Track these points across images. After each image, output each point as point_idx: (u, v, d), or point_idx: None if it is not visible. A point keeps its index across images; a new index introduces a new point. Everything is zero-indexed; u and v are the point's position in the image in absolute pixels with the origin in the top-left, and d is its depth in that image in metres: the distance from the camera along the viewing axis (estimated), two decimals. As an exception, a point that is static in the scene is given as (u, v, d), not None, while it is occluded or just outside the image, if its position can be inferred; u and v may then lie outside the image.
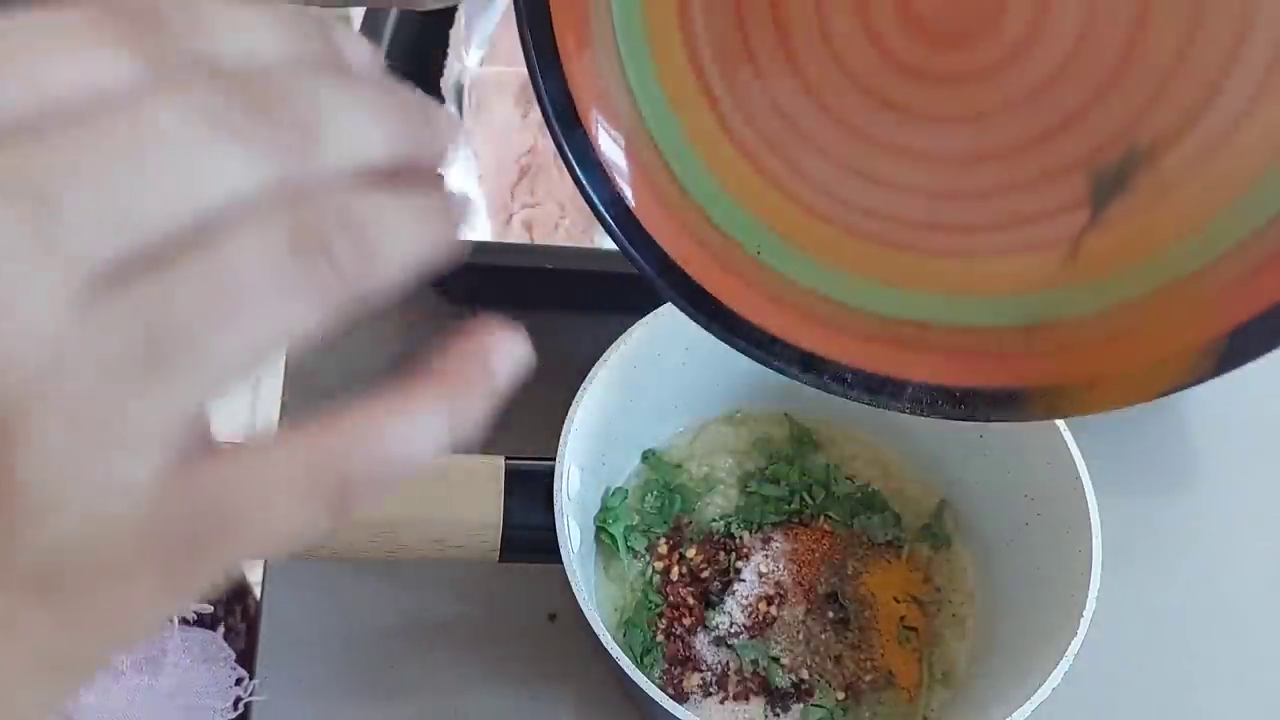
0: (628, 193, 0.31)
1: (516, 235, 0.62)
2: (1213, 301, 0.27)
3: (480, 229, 0.60)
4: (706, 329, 0.32)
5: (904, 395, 0.32)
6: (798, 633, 0.45)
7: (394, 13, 0.58)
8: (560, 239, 0.57)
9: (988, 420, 0.31)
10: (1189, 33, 0.23)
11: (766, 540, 0.47)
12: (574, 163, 0.30)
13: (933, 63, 0.27)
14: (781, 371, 0.33)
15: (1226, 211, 0.26)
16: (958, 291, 0.30)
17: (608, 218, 0.31)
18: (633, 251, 0.31)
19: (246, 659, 0.46)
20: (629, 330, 0.43)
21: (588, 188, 0.30)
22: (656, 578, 0.46)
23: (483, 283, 0.55)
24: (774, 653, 0.44)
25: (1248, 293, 0.26)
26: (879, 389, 0.32)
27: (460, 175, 0.59)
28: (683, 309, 0.32)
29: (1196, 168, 0.25)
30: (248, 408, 1.38)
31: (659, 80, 0.29)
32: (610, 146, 0.30)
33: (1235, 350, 0.27)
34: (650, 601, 0.46)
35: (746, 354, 0.33)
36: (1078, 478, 0.40)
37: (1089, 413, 0.30)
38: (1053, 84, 0.26)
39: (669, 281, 0.32)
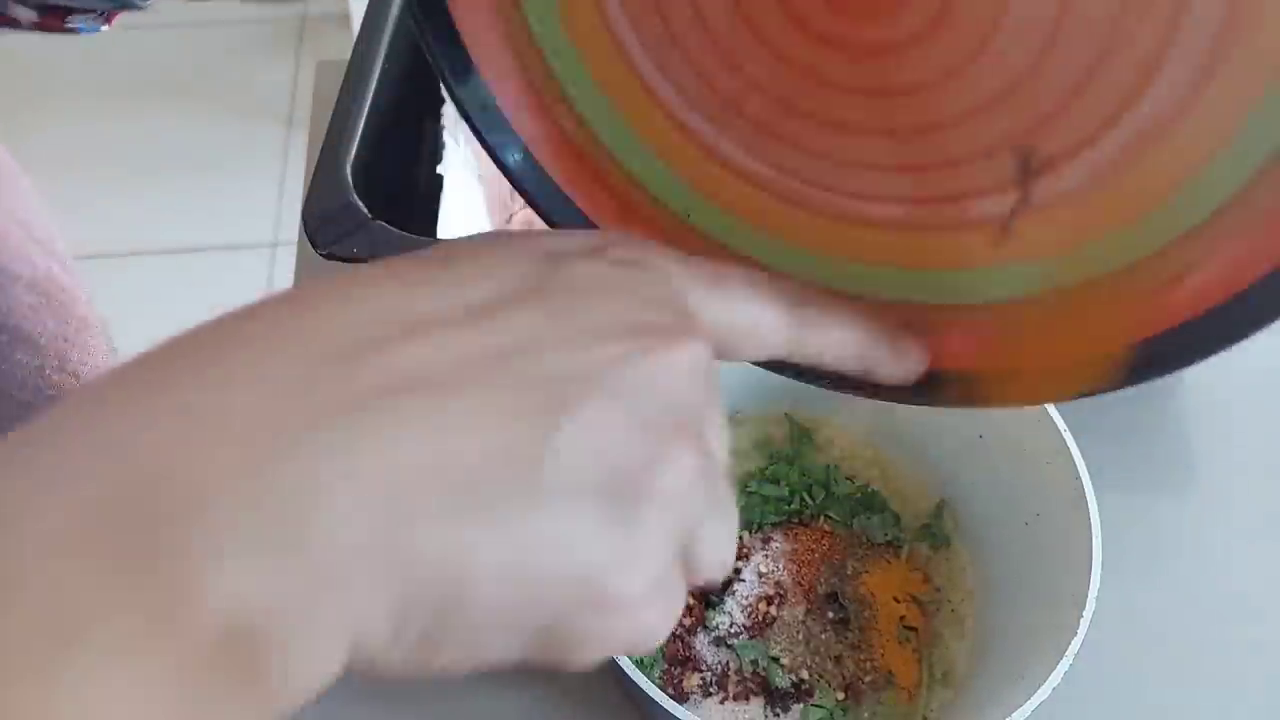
0: (536, 148, 0.30)
1: (516, 235, 0.62)
2: (1133, 305, 0.26)
3: (480, 229, 0.60)
4: None
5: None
6: (797, 633, 0.45)
7: (394, 13, 0.58)
8: (560, 239, 0.57)
9: (899, 401, 0.31)
10: (1118, 20, 0.23)
11: (766, 540, 0.47)
12: (472, 116, 0.29)
13: (851, 34, 0.26)
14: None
15: (1157, 210, 0.25)
16: (887, 264, 0.30)
17: (515, 174, 0.30)
18: (546, 210, 0.31)
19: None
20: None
21: (491, 145, 0.30)
22: (656, 578, 0.46)
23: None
24: (774, 653, 0.44)
25: (1168, 301, 0.26)
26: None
27: (460, 175, 0.59)
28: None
29: (1125, 162, 0.25)
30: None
31: (564, 29, 0.29)
32: (517, 101, 0.30)
33: (1148, 359, 0.26)
34: (650, 601, 0.46)
35: None
36: (1078, 478, 0.40)
37: (1003, 405, 0.30)
38: (978, 60, 0.25)
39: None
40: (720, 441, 0.21)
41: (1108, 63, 0.23)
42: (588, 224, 0.32)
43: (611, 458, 0.18)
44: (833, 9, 0.26)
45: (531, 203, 0.32)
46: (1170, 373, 0.26)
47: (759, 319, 0.24)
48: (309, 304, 0.18)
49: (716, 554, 0.21)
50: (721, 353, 0.24)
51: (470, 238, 0.22)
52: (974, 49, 0.25)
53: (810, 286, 0.26)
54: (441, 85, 0.29)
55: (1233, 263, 0.24)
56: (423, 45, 0.29)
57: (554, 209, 0.32)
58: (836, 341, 0.26)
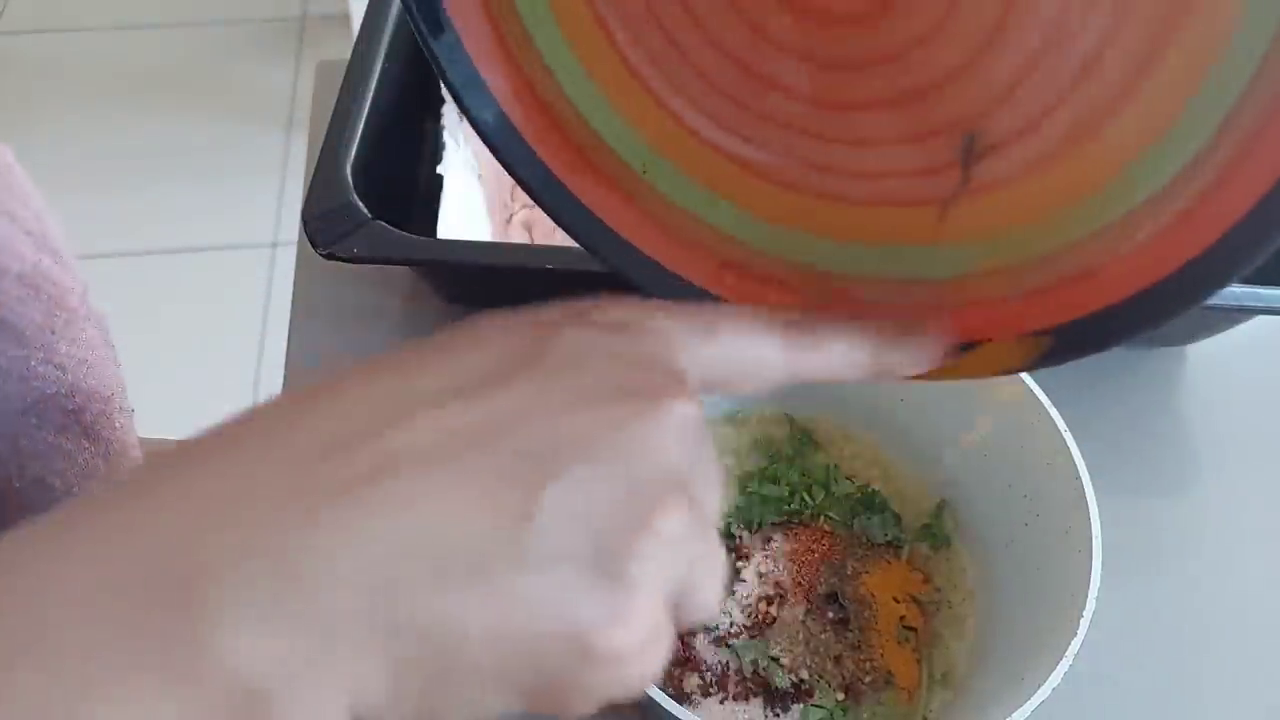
0: (509, 106, 0.31)
1: (517, 235, 0.62)
2: (1061, 288, 0.27)
3: (480, 229, 0.60)
4: (592, 250, 0.32)
5: None
6: (797, 633, 0.45)
7: (394, 13, 0.58)
8: (560, 239, 0.57)
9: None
10: (1065, 7, 0.23)
11: (766, 540, 0.47)
12: (445, 68, 0.30)
13: (807, 3, 0.27)
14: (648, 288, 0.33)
15: (1091, 197, 0.26)
16: (836, 235, 0.31)
17: (488, 130, 0.31)
18: (516, 169, 0.31)
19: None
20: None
21: (463, 96, 0.30)
22: (656, 578, 0.46)
23: (483, 283, 0.55)
24: (774, 653, 0.44)
25: (1083, 289, 0.27)
26: None
27: (460, 175, 0.59)
28: (568, 229, 0.32)
29: (1064, 149, 0.26)
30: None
31: None
32: (488, 53, 0.30)
33: (1059, 346, 0.27)
34: (650, 601, 0.46)
35: (640, 284, 0.33)
36: (1078, 478, 0.40)
37: (924, 379, 0.31)
38: (929, 40, 0.26)
39: (553, 199, 0.32)
40: (712, 495, 0.22)
41: (1053, 50, 0.24)
42: (550, 174, 0.32)
43: (598, 521, 0.19)
44: None
45: (499, 155, 0.32)
46: (1088, 354, 0.27)
47: (754, 356, 0.25)
48: (309, 400, 0.20)
49: (705, 604, 0.22)
50: (725, 392, 0.25)
51: (466, 324, 0.23)
52: (931, 26, 0.25)
53: (805, 309, 0.27)
54: (420, 43, 0.30)
55: (1156, 250, 0.25)
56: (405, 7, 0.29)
57: (518, 160, 0.32)
58: (840, 356, 0.26)
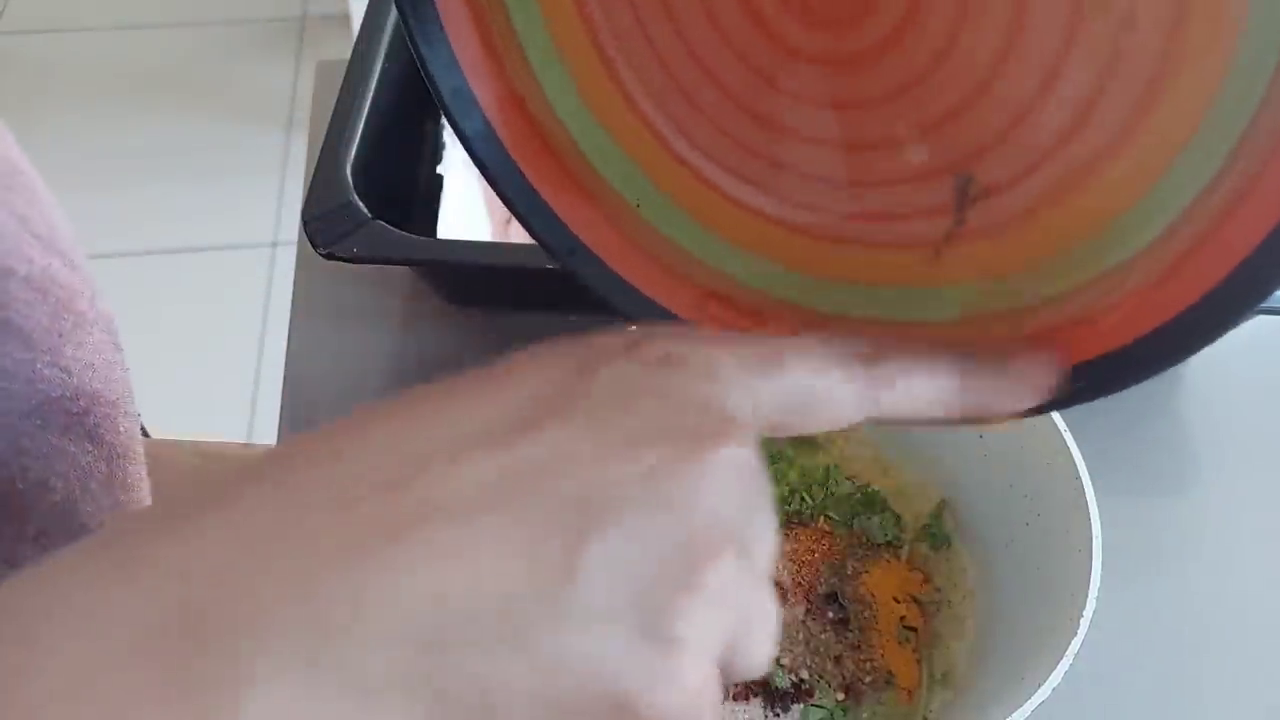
0: (499, 127, 0.31)
1: (517, 235, 0.62)
2: (1050, 334, 0.26)
3: (480, 229, 0.60)
4: (576, 270, 0.32)
5: None
6: (798, 633, 0.45)
7: (394, 13, 0.58)
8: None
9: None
10: (1061, 55, 0.23)
11: (766, 540, 0.47)
12: (439, 86, 0.30)
13: (809, 43, 0.26)
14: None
15: (1079, 247, 0.25)
16: (824, 275, 0.30)
17: (478, 152, 0.31)
18: (524, 217, 0.31)
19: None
20: (629, 330, 0.43)
21: (454, 115, 0.30)
22: (656, 578, 0.46)
23: (483, 283, 0.55)
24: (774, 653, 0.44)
25: (1080, 335, 0.26)
26: None
27: (460, 175, 0.59)
28: (553, 253, 0.32)
29: (1057, 197, 0.25)
30: (247, 410, 1.38)
31: (542, 16, 0.29)
32: (484, 78, 0.30)
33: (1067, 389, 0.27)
34: (650, 601, 0.46)
35: (625, 314, 0.32)
36: (1078, 478, 0.40)
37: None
38: (924, 83, 0.25)
39: (540, 224, 0.32)
40: (766, 544, 0.21)
41: (1047, 97, 0.24)
42: (534, 194, 0.32)
43: (643, 578, 0.18)
44: (794, 15, 0.26)
45: (487, 175, 0.32)
46: (1077, 404, 0.26)
47: (824, 393, 0.23)
48: (344, 438, 0.19)
49: (756, 658, 0.21)
50: (790, 431, 0.23)
51: (508, 359, 0.21)
52: (926, 70, 0.25)
53: (887, 339, 0.24)
54: (410, 49, 0.30)
55: (1140, 306, 0.24)
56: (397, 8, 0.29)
57: (506, 179, 0.32)
58: (925, 394, 0.24)
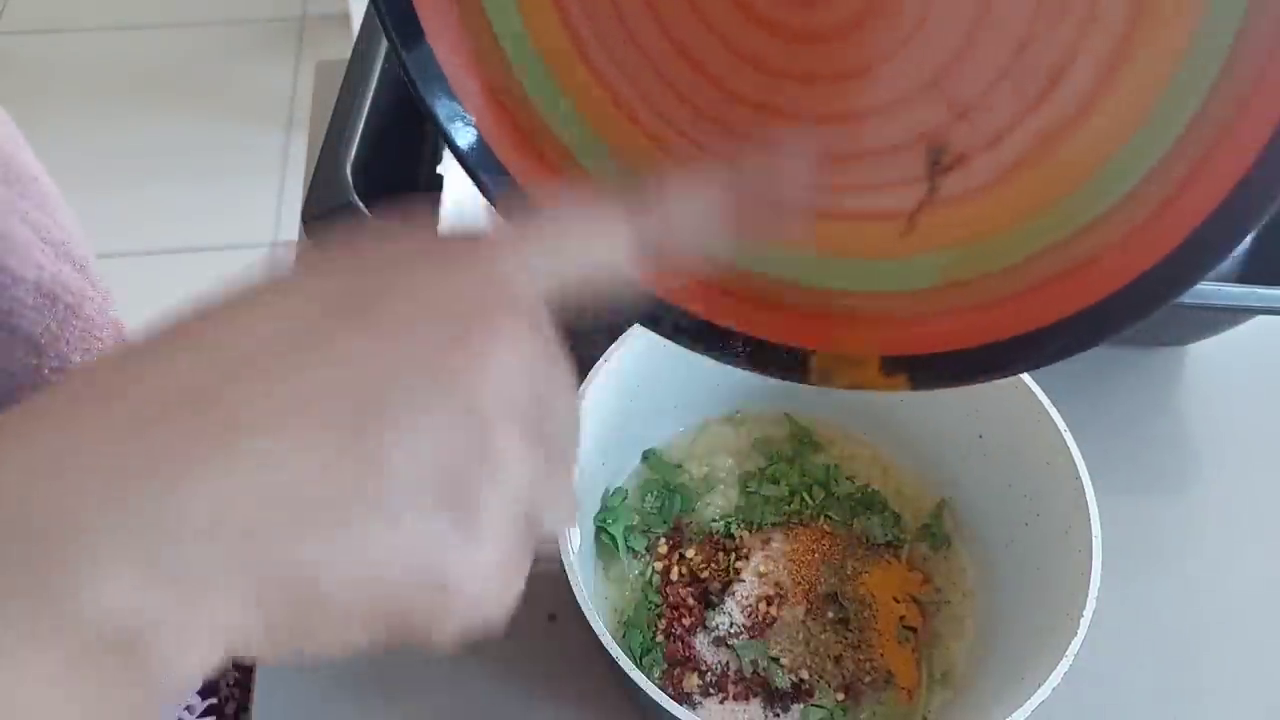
0: (476, 111, 0.31)
1: (516, 235, 0.62)
2: (1021, 299, 0.28)
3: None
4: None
5: (734, 349, 0.33)
6: (797, 633, 0.45)
7: (394, 13, 0.58)
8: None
9: (772, 376, 0.32)
10: (1033, 20, 0.24)
11: (766, 540, 0.47)
12: (414, 76, 0.30)
13: (786, 18, 0.27)
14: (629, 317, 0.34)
15: (1050, 210, 0.26)
16: (797, 249, 0.31)
17: (455, 139, 0.31)
18: (481, 176, 0.32)
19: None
20: (629, 330, 0.43)
21: (431, 107, 0.30)
22: (656, 578, 0.46)
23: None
24: (774, 653, 0.44)
25: (1043, 297, 0.27)
26: (714, 343, 0.33)
27: (460, 175, 0.59)
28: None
29: (1027, 161, 0.26)
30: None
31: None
32: (455, 61, 0.30)
33: (1028, 354, 0.28)
34: (650, 602, 0.46)
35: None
36: (1078, 478, 0.40)
37: (842, 387, 0.31)
38: (898, 55, 0.26)
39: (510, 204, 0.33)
40: (563, 401, 0.23)
41: (1021, 63, 0.24)
42: (512, 182, 0.33)
43: (440, 457, 0.20)
44: None
45: (458, 157, 0.32)
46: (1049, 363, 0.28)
47: (600, 238, 0.24)
48: (149, 353, 0.20)
49: (558, 513, 0.23)
50: (578, 284, 0.24)
51: (291, 259, 0.23)
52: (900, 42, 0.26)
53: (655, 179, 0.26)
54: (387, 43, 0.30)
55: (1112, 263, 0.25)
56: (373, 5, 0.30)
57: (482, 166, 0.33)
58: (696, 216, 0.26)
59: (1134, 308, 0.26)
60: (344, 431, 0.19)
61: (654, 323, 0.33)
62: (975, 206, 0.27)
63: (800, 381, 0.33)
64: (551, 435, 0.22)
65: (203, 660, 0.18)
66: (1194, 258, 0.24)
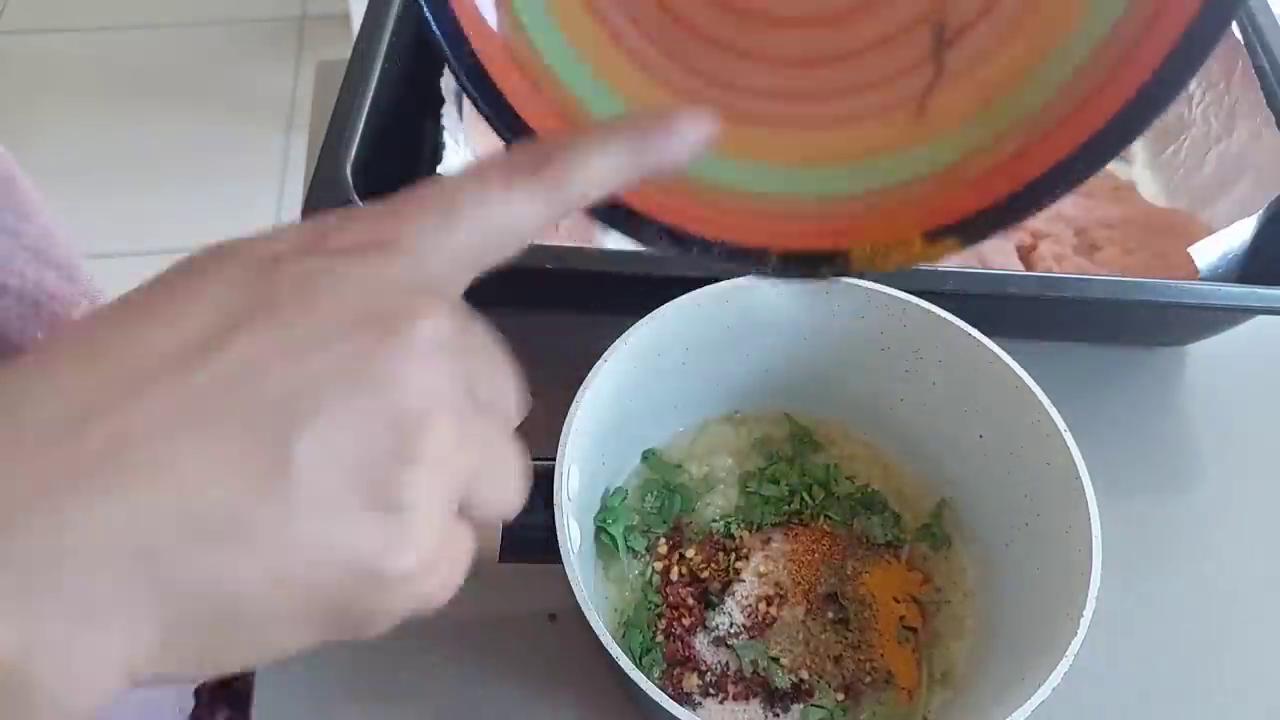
0: (483, 52, 0.31)
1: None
2: (1023, 155, 0.29)
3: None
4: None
5: (769, 263, 0.35)
6: (797, 633, 0.45)
7: (394, 13, 0.58)
8: (561, 239, 0.57)
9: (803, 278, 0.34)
10: None
11: (766, 540, 0.47)
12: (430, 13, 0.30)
13: None
14: (650, 245, 0.34)
15: (1042, 66, 0.28)
16: (804, 163, 0.32)
17: (460, 70, 0.31)
18: (488, 110, 0.32)
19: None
20: (629, 330, 0.43)
21: (442, 40, 0.31)
22: (656, 578, 0.46)
23: (483, 283, 0.55)
24: (774, 653, 0.44)
25: (1061, 132, 0.29)
26: (748, 258, 0.34)
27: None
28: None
29: (1019, 22, 0.28)
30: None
31: None
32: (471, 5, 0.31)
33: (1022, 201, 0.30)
34: (650, 602, 0.46)
35: (620, 230, 0.33)
36: (1077, 478, 0.40)
37: (888, 270, 0.33)
38: None
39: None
40: (499, 392, 0.22)
41: None
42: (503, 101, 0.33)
43: (357, 458, 0.19)
44: None
45: (458, 77, 0.32)
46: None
47: (506, 219, 0.24)
48: (36, 371, 0.19)
49: (500, 502, 0.23)
50: (493, 263, 0.24)
51: (188, 259, 0.22)
52: None
53: (547, 140, 0.26)
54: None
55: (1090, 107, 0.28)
56: None
57: (472, 81, 0.33)
58: (601, 170, 0.25)
59: (1143, 113, 0.28)
60: (249, 432, 0.18)
61: (702, 253, 0.34)
62: (983, 73, 0.28)
63: (845, 275, 0.34)
64: (489, 404, 0.22)
65: (96, 688, 0.18)
66: (1182, 61, 0.27)
